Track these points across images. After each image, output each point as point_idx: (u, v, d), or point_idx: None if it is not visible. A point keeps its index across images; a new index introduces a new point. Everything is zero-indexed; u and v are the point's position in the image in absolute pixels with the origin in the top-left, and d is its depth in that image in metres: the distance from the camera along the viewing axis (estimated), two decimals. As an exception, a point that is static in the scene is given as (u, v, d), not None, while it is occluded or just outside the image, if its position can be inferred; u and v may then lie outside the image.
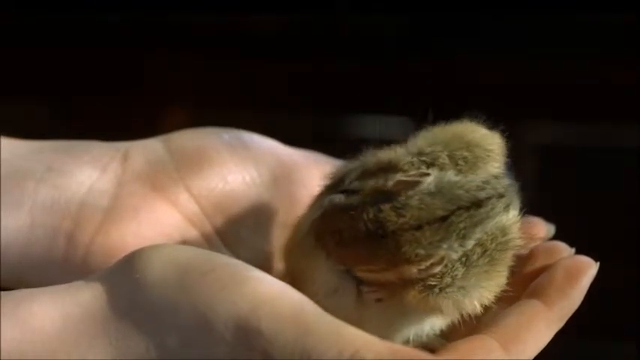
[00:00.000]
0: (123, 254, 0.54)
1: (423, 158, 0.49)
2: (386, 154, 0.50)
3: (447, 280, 0.47)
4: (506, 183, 0.50)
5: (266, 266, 0.57)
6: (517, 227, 0.50)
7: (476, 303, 0.49)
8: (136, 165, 0.58)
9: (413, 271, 0.47)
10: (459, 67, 1.36)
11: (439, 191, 0.47)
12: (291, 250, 0.53)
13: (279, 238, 0.58)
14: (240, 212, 0.58)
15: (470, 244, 0.47)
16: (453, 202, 0.47)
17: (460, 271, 0.47)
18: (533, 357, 0.48)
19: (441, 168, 0.49)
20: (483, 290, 0.49)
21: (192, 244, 0.56)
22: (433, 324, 0.51)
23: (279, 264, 0.57)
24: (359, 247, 0.47)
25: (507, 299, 0.51)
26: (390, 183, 0.47)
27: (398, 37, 1.38)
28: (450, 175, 0.48)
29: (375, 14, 1.36)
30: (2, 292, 0.47)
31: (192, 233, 0.57)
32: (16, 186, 0.56)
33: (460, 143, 0.50)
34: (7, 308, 0.46)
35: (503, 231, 0.49)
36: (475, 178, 0.49)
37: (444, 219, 0.47)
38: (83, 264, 0.56)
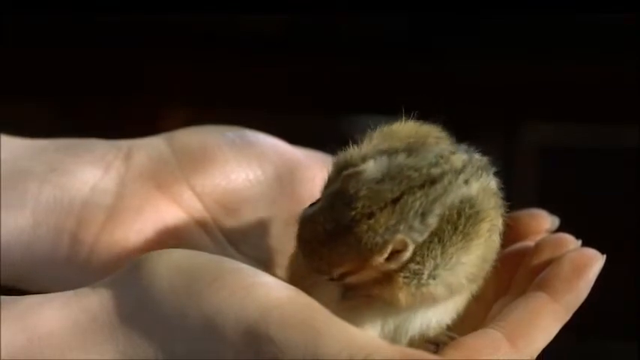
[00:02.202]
0: (127, 253, 0.55)
1: (378, 148, 0.49)
2: (343, 155, 0.51)
3: (430, 264, 0.47)
4: (464, 158, 0.49)
5: (269, 263, 0.57)
6: (489, 197, 0.49)
7: (463, 280, 0.49)
8: (139, 163, 0.58)
9: (379, 260, 0.46)
10: (459, 67, 1.36)
11: (388, 176, 0.47)
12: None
13: (281, 235, 0.58)
14: (243, 210, 0.58)
15: (433, 222, 0.47)
16: (403, 184, 0.47)
17: (438, 251, 0.47)
18: (540, 350, 0.48)
19: (393, 154, 0.48)
20: (465, 266, 0.48)
21: (195, 242, 0.56)
22: (440, 318, 0.50)
23: (280, 260, 0.57)
24: (326, 251, 0.47)
25: (514, 291, 0.51)
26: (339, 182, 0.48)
27: (398, 37, 1.38)
28: (400, 158, 0.48)
29: (375, 14, 1.36)
30: (10, 298, 0.47)
31: (196, 231, 0.57)
32: (19, 186, 0.56)
33: (408, 134, 0.50)
34: (14, 315, 0.46)
35: (470, 202, 0.48)
36: (428, 156, 0.48)
37: (395, 201, 0.46)
38: (87, 263, 0.56)
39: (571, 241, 0.52)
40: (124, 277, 0.48)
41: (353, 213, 0.46)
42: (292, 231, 0.52)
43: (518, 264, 0.53)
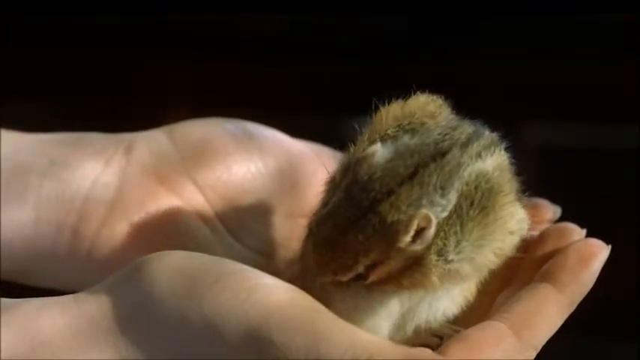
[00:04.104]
0: (128, 247, 0.54)
1: (375, 137, 0.50)
2: (345, 156, 0.51)
3: (453, 240, 0.47)
4: (469, 131, 0.49)
5: (271, 255, 0.57)
6: (503, 172, 0.49)
7: (489, 255, 0.49)
8: (140, 157, 0.58)
9: (406, 240, 0.46)
10: (458, 67, 1.36)
11: (397, 155, 0.47)
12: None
13: (283, 227, 0.58)
14: (245, 202, 0.58)
15: (453, 196, 0.47)
16: (415, 158, 0.47)
17: (457, 227, 0.47)
18: (545, 342, 0.47)
19: (394, 139, 0.49)
20: (488, 241, 0.48)
21: (198, 235, 0.56)
22: (446, 310, 0.50)
23: (282, 252, 0.57)
24: (350, 239, 0.47)
25: (519, 282, 0.51)
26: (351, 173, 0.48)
27: (398, 37, 1.38)
28: (405, 140, 0.48)
29: (375, 14, 1.36)
30: (10, 301, 0.47)
31: (198, 225, 0.57)
32: (20, 181, 0.57)
33: (401, 117, 0.51)
34: (15, 319, 0.46)
35: (485, 177, 0.48)
36: (431, 134, 0.49)
37: (412, 176, 0.47)
38: (88, 257, 0.56)
39: (575, 231, 0.52)
40: (123, 279, 0.48)
41: (372, 194, 0.46)
42: (295, 224, 0.51)
43: (522, 254, 0.52)
